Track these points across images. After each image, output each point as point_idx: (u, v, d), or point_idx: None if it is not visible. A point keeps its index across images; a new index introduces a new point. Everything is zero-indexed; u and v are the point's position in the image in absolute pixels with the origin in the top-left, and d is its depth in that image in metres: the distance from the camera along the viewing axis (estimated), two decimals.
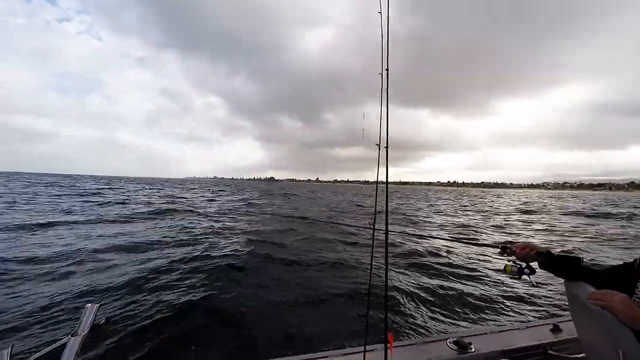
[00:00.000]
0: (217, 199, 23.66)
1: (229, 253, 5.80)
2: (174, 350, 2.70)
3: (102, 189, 29.67)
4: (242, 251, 5.97)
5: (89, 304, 1.07)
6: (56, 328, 2.96)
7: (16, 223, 8.48)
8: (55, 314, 3.21)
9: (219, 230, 8.54)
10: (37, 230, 7.87)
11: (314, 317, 3.38)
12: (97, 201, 16.47)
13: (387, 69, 1.74)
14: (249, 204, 19.36)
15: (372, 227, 1.86)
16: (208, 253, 5.76)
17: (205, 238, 7.35)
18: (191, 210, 13.62)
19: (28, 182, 39.79)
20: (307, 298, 3.85)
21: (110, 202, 16.40)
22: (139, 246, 6.35)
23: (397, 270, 5.28)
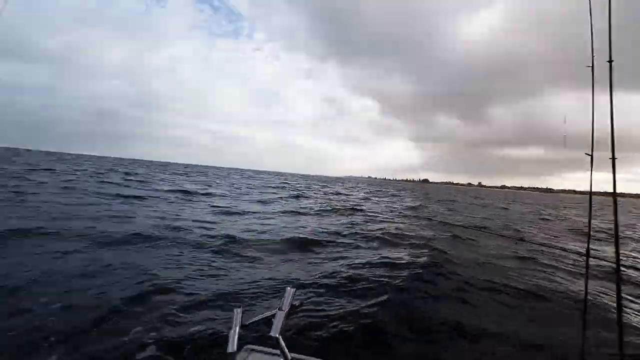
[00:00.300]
0: (377, 199, 24.74)
1: (411, 261, 5.86)
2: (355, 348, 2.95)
3: (283, 183, 36.60)
4: (420, 260, 5.93)
5: (289, 287, 1.27)
6: (269, 300, 3.86)
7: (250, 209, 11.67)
8: (269, 291, 4.12)
9: (393, 232, 8.87)
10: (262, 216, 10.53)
11: None
12: (288, 195, 20.39)
13: (610, 60, 1.27)
14: (413, 207, 19.14)
15: (586, 255, 1.45)
16: (387, 258, 6.01)
17: (381, 239, 7.83)
18: (361, 210, 14.77)
19: (241, 176, 53.75)
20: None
21: (298, 195, 20.00)
22: (327, 241, 7.41)
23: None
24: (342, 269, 5.06)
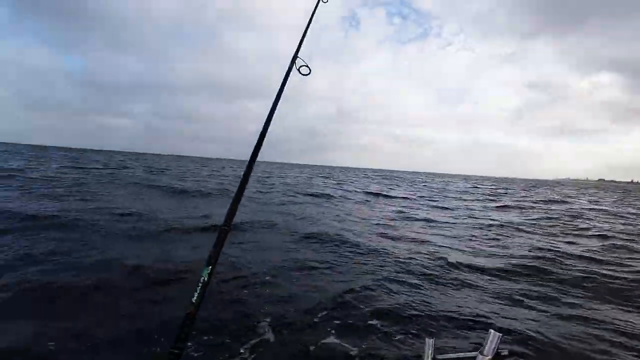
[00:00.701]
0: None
1: None
2: None
3: (470, 188, 32.29)
4: None
5: (492, 331, 1.07)
6: (466, 336, 3.15)
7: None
8: (466, 325, 3.41)
9: None
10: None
11: None
12: (483, 199, 17.83)
13: None
14: None
15: None
16: None
17: None
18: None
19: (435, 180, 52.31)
20: None
21: (504, 205, 17.16)
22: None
23: None
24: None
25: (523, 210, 15.22)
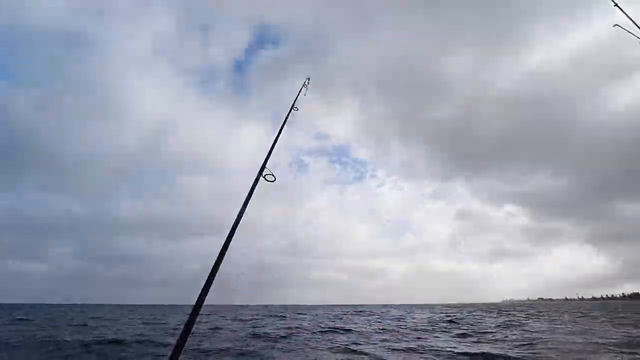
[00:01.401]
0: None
1: None
2: None
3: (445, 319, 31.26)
4: None
5: None
6: None
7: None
8: None
9: None
10: None
11: None
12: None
13: None
14: None
15: None
16: None
17: None
18: None
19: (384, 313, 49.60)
20: None
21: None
22: None
23: None
24: None
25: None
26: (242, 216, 1.68)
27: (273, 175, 1.90)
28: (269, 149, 1.95)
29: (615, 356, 9.65)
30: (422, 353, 9.82)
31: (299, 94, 2.29)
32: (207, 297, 1.23)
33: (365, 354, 9.91)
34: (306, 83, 2.39)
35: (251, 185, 1.81)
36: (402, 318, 28.33)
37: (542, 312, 42.22)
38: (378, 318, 30.16)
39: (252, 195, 1.79)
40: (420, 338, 13.65)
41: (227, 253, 1.42)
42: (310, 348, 12.77)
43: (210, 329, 17.37)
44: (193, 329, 1.03)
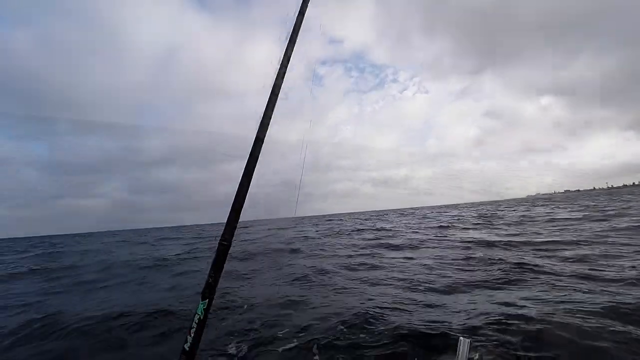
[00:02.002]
0: None
1: None
2: None
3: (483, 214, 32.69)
4: None
5: (462, 338, 1.02)
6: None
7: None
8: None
9: None
10: None
11: None
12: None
13: None
14: None
15: None
16: None
17: None
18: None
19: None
20: None
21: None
22: None
23: None
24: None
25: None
26: (261, 138, 1.70)
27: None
28: (278, 67, 1.83)
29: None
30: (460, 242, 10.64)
31: None
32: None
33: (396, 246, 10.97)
34: None
35: (265, 106, 1.78)
36: (436, 217, 29.70)
37: (556, 202, 42.64)
38: (407, 218, 32.14)
39: (269, 116, 1.78)
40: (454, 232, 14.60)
41: (253, 174, 1.51)
42: (353, 239, 14.20)
43: (256, 237, 19.67)
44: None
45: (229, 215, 1.07)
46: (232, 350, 3.28)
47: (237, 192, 1.17)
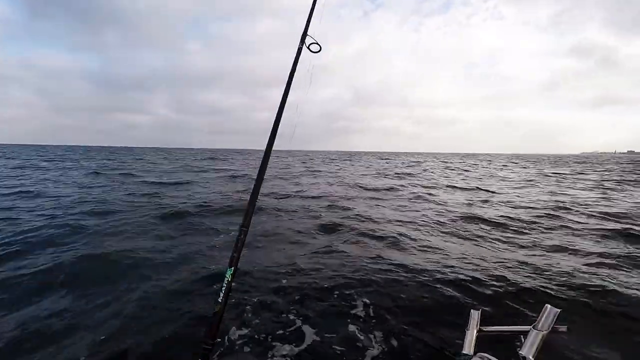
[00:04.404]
0: None
1: None
2: None
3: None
4: None
5: (549, 305, 0.97)
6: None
7: None
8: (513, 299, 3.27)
9: None
10: None
11: None
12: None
13: None
14: None
15: None
16: None
17: None
18: None
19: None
20: None
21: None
22: None
23: None
24: None
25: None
26: (287, 95, 1.57)
27: (318, 44, 1.61)
28: (309, 13, 1.57)
29: None
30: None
31: None
32: (274, 143, 1.45)
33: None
34: None
35: (294, 57, 1.59)
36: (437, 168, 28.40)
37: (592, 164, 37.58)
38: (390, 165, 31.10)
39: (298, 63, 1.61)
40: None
41: (287, 104, 1.51)
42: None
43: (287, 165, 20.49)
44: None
45: (248, 207, 1.22)
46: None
47: (253, 188, 1.29)
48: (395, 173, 20.13)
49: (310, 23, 1.58)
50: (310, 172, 19.77)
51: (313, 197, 9.81)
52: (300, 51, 1.60)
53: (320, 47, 1.61)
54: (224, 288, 1.03)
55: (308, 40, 1.59)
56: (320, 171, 20.88)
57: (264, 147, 1.44)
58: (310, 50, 1.60)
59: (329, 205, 8.31)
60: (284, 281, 3.64)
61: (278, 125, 1.48)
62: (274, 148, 1.45)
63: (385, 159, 52.69)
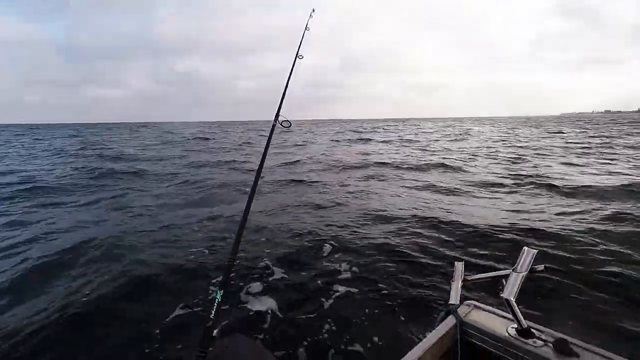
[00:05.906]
0: None
1: None
2: None
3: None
4: None
5: (526, 248, 1.03)
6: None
7: None
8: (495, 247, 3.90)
9: None
10: None
11: None
12: None
13: None
14: None
15: None
16: None
17: None
18: None
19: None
20: None
21: None
22: None
23: None
24: None
25: None
26: (265, 157, 1.76)
27: (289, 121, 1.86)
28: (281, 96, 1.76)
29: None
30: None
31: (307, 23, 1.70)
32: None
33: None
34: (311, 14, 1.70)
35: (269, 132, 1.83)
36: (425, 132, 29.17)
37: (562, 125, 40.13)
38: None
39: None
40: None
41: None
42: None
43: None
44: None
45: (236, 237, 1.22)
46: None
47: (241, 221, 1.30)
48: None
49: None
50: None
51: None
52: (274, 128, 1.84)
53: (290, 123, 1.85)
54: (215, 307, 1.05)
55: (281, 119, 1.82)
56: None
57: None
58: (282, 126, 1.84)
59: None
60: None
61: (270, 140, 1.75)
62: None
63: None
